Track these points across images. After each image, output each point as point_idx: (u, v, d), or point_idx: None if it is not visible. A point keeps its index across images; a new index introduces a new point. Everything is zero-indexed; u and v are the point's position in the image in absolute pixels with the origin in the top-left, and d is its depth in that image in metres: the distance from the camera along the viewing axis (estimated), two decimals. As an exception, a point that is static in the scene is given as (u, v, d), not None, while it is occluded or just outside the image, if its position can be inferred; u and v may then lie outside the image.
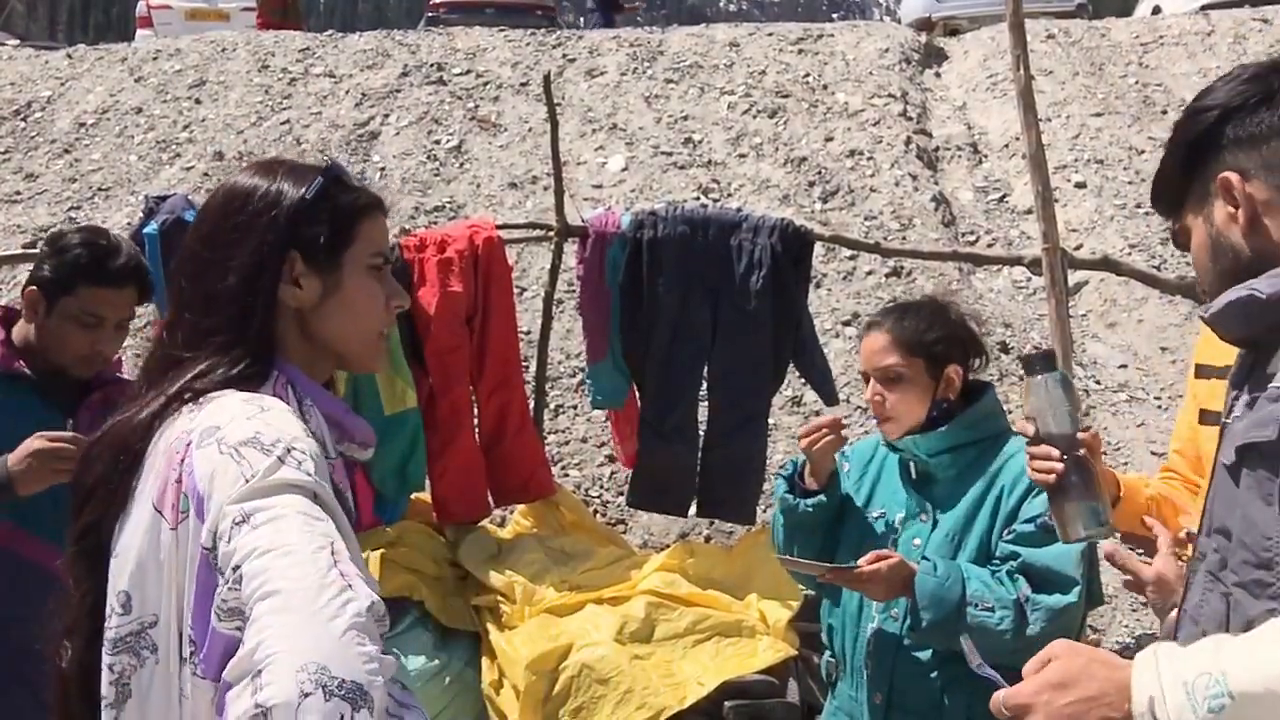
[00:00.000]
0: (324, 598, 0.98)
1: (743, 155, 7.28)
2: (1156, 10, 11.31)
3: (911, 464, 2.22)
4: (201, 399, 1.20)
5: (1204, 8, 9.88)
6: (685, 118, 7.67)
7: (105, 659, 1.17)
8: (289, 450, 1.11)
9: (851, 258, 6.26)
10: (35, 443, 2.00)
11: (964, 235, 6.61)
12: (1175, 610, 1.35)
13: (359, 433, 1.32)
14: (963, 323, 2.24)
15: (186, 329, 1.27)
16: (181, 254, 1.32)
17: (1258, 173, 1.23)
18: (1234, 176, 1.23)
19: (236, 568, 1.02)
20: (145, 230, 3.73)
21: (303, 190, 1.28)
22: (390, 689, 1.04)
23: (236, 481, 1.08)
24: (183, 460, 1.14)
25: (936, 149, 7.43)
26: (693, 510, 4.18)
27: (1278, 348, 1.17)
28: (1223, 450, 1.22)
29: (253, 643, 0.97)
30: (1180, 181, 1.31)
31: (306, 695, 0.92)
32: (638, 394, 4.08)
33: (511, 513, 4.29)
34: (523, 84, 8.15)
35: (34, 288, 2.19)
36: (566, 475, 5.03)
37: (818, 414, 5.33)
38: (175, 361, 1.25)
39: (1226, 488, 1.20)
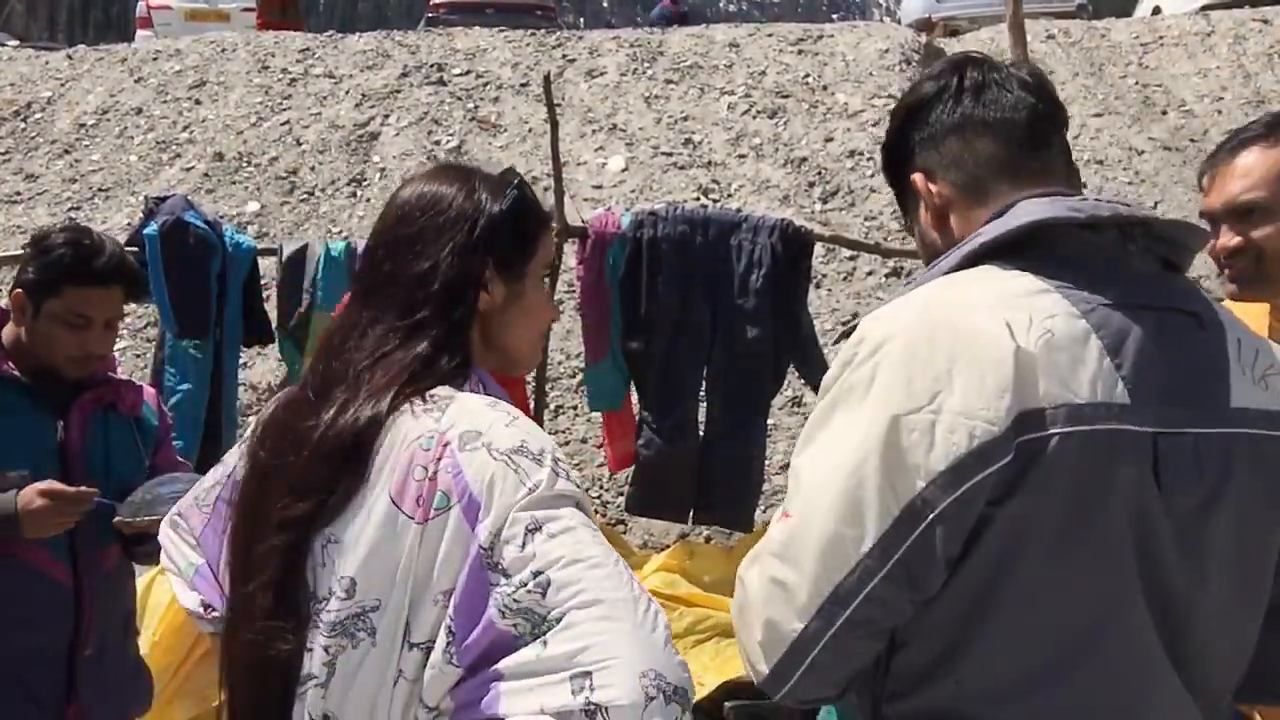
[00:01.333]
0: (640, 610, 1.11)
1: (743, 156, 7.28)
2: (1156, 11, 11.31)
3: None
4: (430, 398, 1.25)
5: (1204, 8, 9.89)
6: (685, 118, 7.67)
7: (321, 639, 1.22)
8: (556, 461, 1.21)
9: (851, 258, 6.27)
10: (41, 499, 2.00)
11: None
12: None
13: None
14: None
15: (387, 325, 1.31)
16: (374, 251, 1.37)
17: (940, 170, 1.27)
18: (918, 177, 1.28)
19: (538, 573, 1.11)
20: (145, 231, 3.73)
21: (500, 202, 1.34)
22: None
23: (518, 489, 1.16)
24: (439, 459, 1.19)
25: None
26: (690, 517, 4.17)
27: None
28: None
29: (570, 646, 1.07)
30: (896, 188, 1.36)
31: (651, 699, 1.05)
32: (636, 394, 4.08)
33: (511, 513, 4.29)
34: (523, 84, 8.15)
35: (20, 291, 2.17)
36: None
37: (818, 414, 5.34)
38: (380, 356, 1.29)
39: None
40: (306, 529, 1.26)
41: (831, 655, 1.12)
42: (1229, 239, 1.77)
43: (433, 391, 1.26)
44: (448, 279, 1.31)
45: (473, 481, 1.17)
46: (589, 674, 1.06)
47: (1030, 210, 1.18)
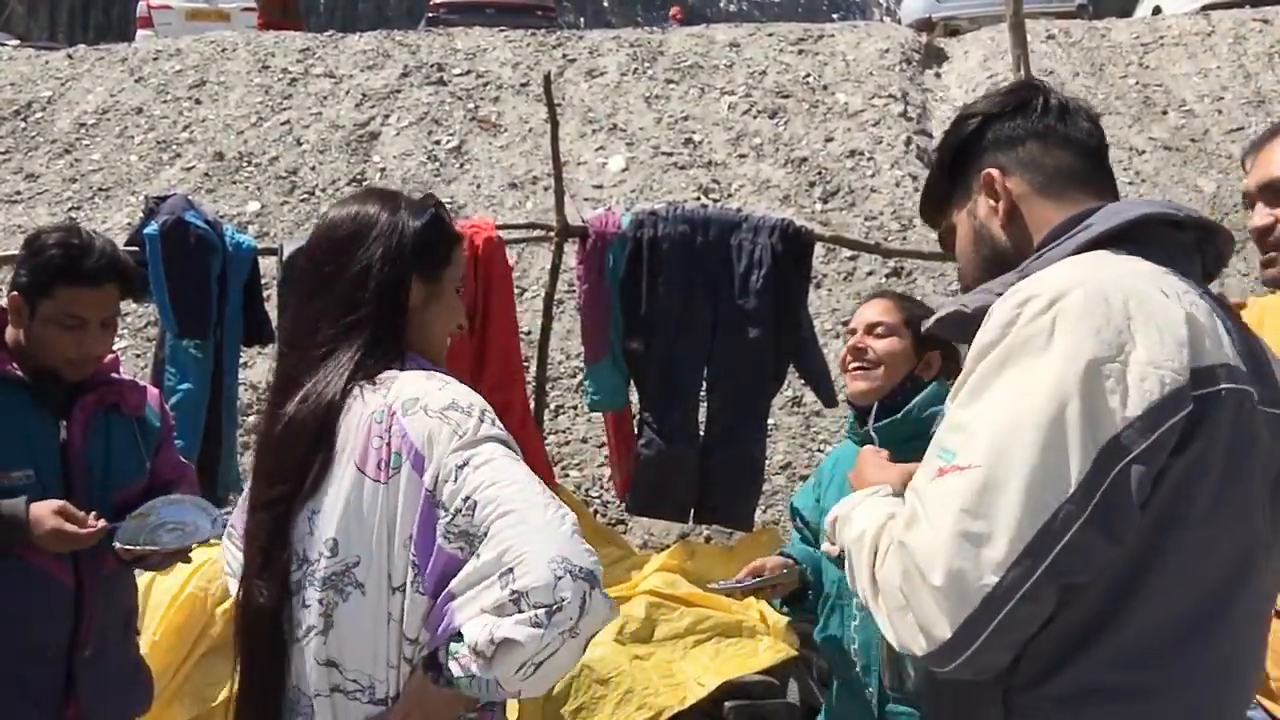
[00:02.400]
0: (549, 512, 1.34)
1: (743, 155, 7.28)
2: (1157, 11, 11.31)
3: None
4: (377, 381, 1.50)
5: (1204, 8, 9.89)
6: (685, 118, 7.67)
7: (315, 595, 1.46)
8: (483, 410, 1.45)
9: (852, 258, 6.26)
10: (53, 519, 2.03)
11: (964, 235, 6.61)
12: None
13: None
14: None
15: (330, 327, 1.56)
16: (314, 257, 1.62)
17: (1015, 169, 1.37)
18: (995, 172, 1.37)
19: (468, 498, 1.36)
20: (146, 231, 3.73)
21: (420, 219, 1.60)
22: None
23: (452, 438, 1.40)
24: (389, 427, 1.44)
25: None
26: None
27: None
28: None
29: (496, 551, 1.31)
30: (947, 182, 1.46)
31: (559, 578, 1.28)
32: (637, 394, 4.08)
33: (512, 513, 4.29)
34: (523, 84, 8.15)
35: (15, 294, 2.16)
36: (566, 475, 5.03)
37: (818, 414, 5.34)
38: (326, 354, 1.54)
39: None
40: (286, 507, 1.50)
41: (1024, 612, 1.09)
42: (1261, 218, 1.90)
43: (379, 375, 1.50)
44: (380, 281, 1.55)
45: (416, 439, 1.41)
46: (511, 569, 1.30)
47: (1133, 207, 1.27)
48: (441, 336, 1.64)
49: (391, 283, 1.56)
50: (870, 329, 2.23)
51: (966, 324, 1.29)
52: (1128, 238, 1.24)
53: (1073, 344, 1.11)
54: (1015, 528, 1.08)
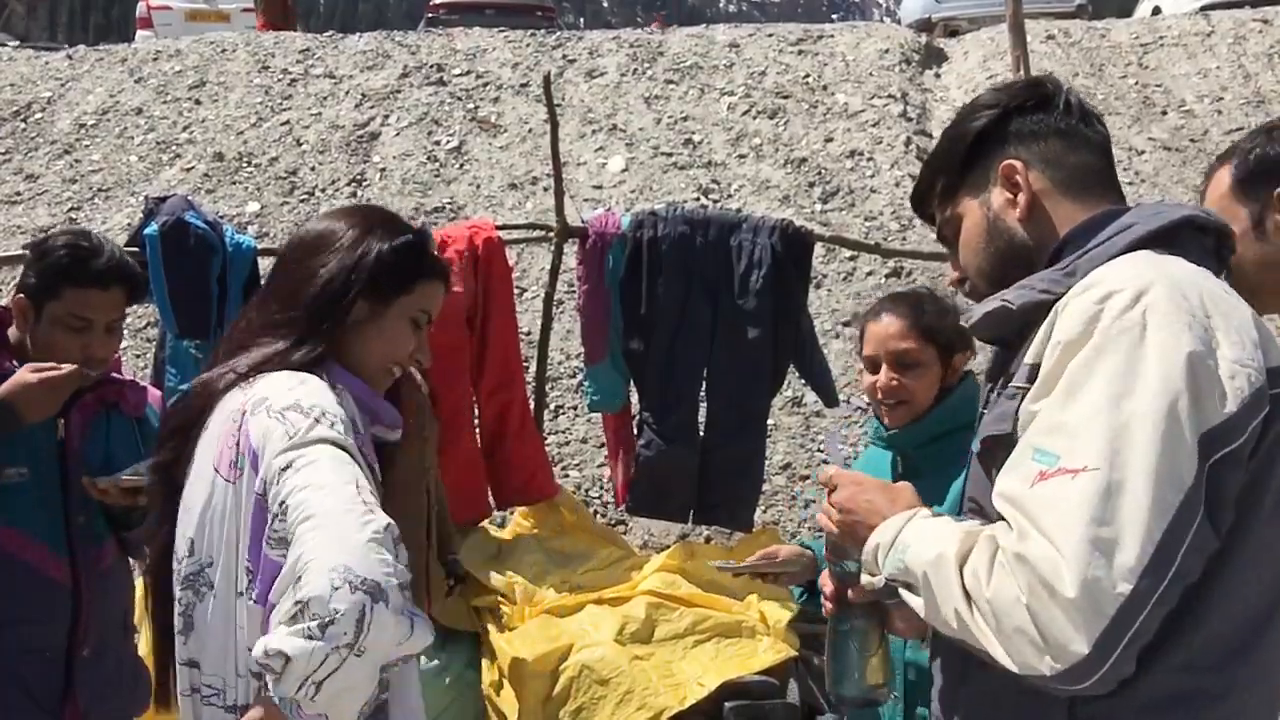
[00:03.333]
0: (350, 517, 1.26)
1: (743, 156, 7.28)
2: (1156, 11, 11.31)
3: (899, 460, 2.19)
4: (253, 377, 1.47)
5: (1204, 8, 9.89)
6: (685, 118, 7.67)
7: (178, 593, 1.45)
8: (323, 413, 1.38)
9: (851, 258, 6.26)
10: (33, 374, 2.01)
11: (964, 236, 6.61)
12: None
13: (386, 416, 1.60)
14: (959, 313, 2.20)
15: (265, 317, 1.55)
16: (280, 259, 1.63)
17: (1036, 164, 1.34)
18: (1018, 164, 1.34)
19: (283, 502, 1.29)
20: (146, 231, 3.73)
21: (388, 242, 1.57)
22: (403, 596, 1.26)
23: (283, 439, 1.34)
24: (239, 427, 1.41)
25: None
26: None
27: (1021, 347, 1.25)
28: (976, 438, 1.33)
29: (293, 557, 1.24)
30: (959, 170, 1.41)
31: (336, 589, 1.18)
32: (637, 394, 4.08)
33: (511, 514, 4.29)
34: (523, 85, 8.15)
35: (21, 296, 2.17)
36: (566, 476, 5.03)
37: (818, 414, 5.34)
38: (248, 343, 1.53)
39: (977, 471, 1.33)
40: (165, 474, 1.53)
41: (1153, 620, 1.04)
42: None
43: (262, 373, 1.48)
44: (323, 288, 1.53)
45: (255, 439, 1.38)
46: (300, 576, 1.23)
47: (1171, 210, 1.26)
48: (378, 362, 1.59)
49: (333, 294, 1.53)
50: (896, 362, 2.13)
51: (1010, 321, 1.27)
52: (1164, 239, 1.23)
53: (1170, 338, 1.09)
54: (1145, 530, 1.03)
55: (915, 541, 1.22)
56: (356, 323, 1.55)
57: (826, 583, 1.56)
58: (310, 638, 1.16)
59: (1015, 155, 1.35)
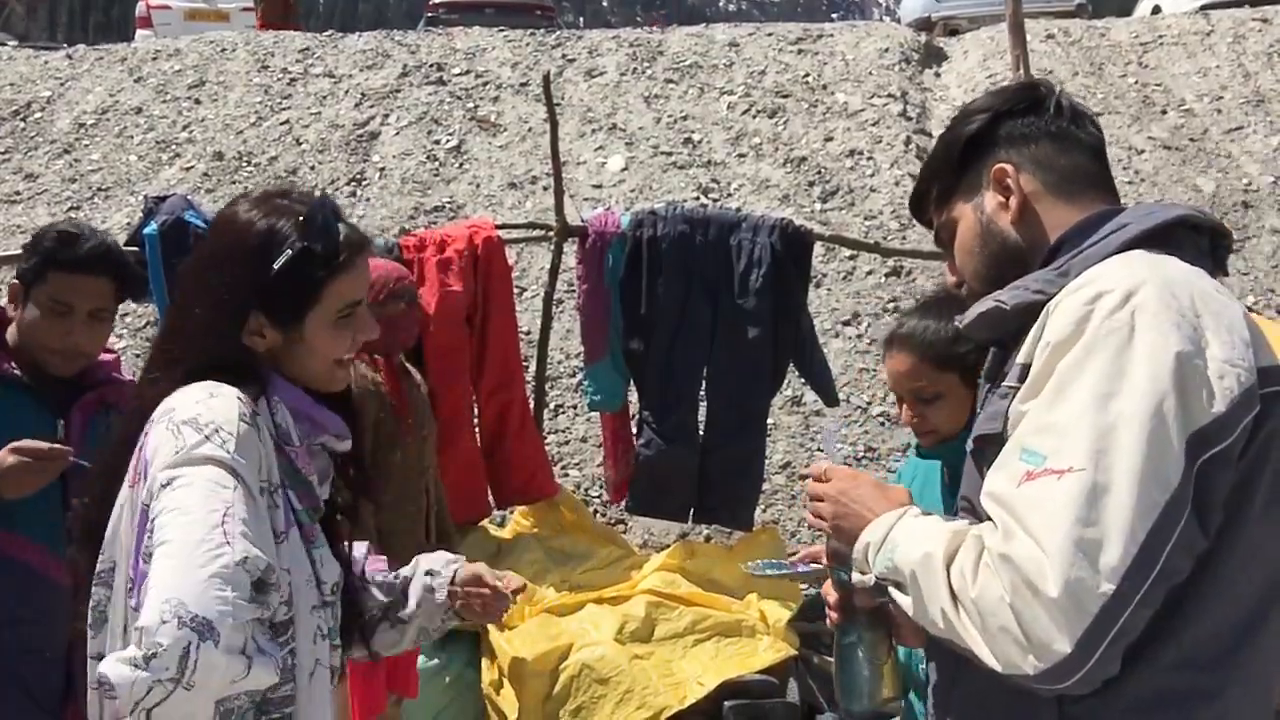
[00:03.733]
0: (201, 549, 1.21)
1: (742, 155, 7.28)
2: (1156, 10, 11.31)
3: (947, 470, 2.15)
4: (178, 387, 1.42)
5: (1204, 8, 9.89)
6: (685, 118, 7.67)
7: (93, 588, 1.44)
8: (216, 430, 1.32)
9: (851, 257, 6.26)
10: (12, 456, 1.97)
11: (964, 235, 6.61)
12: None
13: (331, 426, 1.52)
14: None
15: (156, 352, 1.49)
16: (185, 268, 1.54)
17: (1027, 167, 1.35)
18: (1008, 167, 1.35)
19: (155, 518, 1.27)
20: (145, 231, 3.73)
21: (271, 262, 1.41)
22: (256, 632, 1.22)
23: (170, 454, 1.31)
24: (146, 434, 1.38)
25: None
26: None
27: (1016, 347, 1.25)
28: (970, 437, 1.34)
29: (147, 581, 1.22)
30: (953, 174, 1.42)
31: (164, 622, 1.15)
32: (637, 394, 4.08)
33: (511, 513, 4.29)
34: (522, 84, 8.15)
35: (16, 280, 2.19)
36: (566, 475, 5.03)
37: (818, 414, 5.34)
38: (150, 382, 1.47)
39: (970, 469, 1.34)
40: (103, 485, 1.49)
41: (1139, 616, 1.05)
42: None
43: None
44: (205, 324, 1.44)
45: (150, 450, 1.35)
46: (142, 604, 1.21)
47: (1166, 210, 1.26)
48: (317, 372, 1.50)
49: (215, 324, 1.43)
50: (916, 398, 2.06)
51: (1004, 321, 1.28)
52: (1159, 239, 1.23)
53: (1159, 338, 1.09)
54: (1129, 530, 1.04)
55: (904, 540, 1.23)
56: (274, 350, 1.46)
57: (830, 592, 1.54)
58: (136, 667, 1.14)
59: (1006, 158, 1.36)
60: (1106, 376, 1.09)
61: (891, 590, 1.24)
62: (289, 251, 1.41)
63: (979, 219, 1.38)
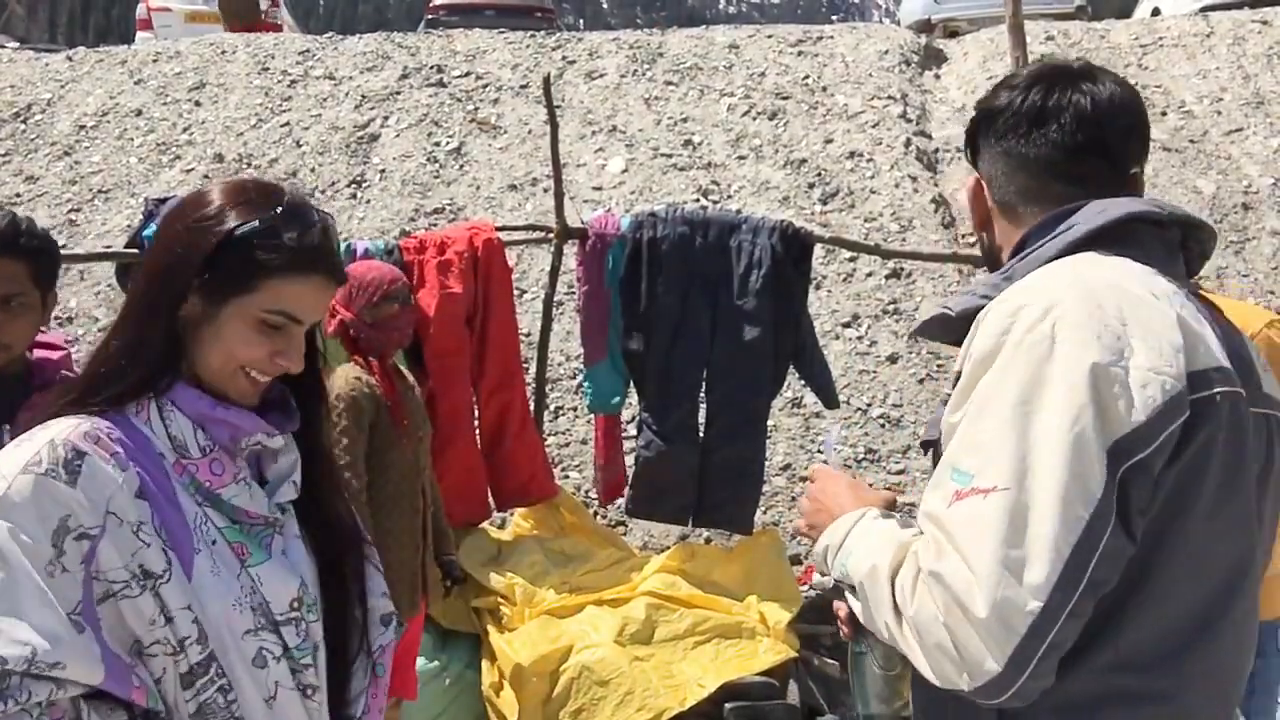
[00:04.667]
0: None
1: (742, 157, 7.28)
2: (1156, 12, 11.31)
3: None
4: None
5: (1203, 9, 9.89)
6: (685, 119, 7.67)
7: None
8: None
9: (851, 259, 6.27)
10: None
11: (964, 237, 6.61)
12: None
13: (247, 425, 1.37)
14: None
15: (113, 325, 1.37)
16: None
17: (1000, 177, 1.36)
18: (973, 178, 1.39)
19: None
20: (145, 233, 3.73)
21: (231, 229, 1.32)
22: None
23: None
24: None
25: (936, 151, 7.43)
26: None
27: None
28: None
29: None
30: (970, 149, 1.44)
31: None
32: (636, 395, 4.08)
33: (511, 515, 4.29)
34: (522, 86, 8.15)
35: None
36: (566, 477, 5.03)
37: (818, 415, 5.34)
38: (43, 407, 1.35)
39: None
40: None
41: (1068, 631, 1.06)
42: None
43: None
44: (151, 283, 1.35)
45: None
46: None
47: (1116, 207, 1.24)
48: (219, 366, 1.35)
49: (160, 289, 1.33)
50: None
51: (952, 326, 1.28)
52: (1112, 237, 1.22)
53: (1077, 350, 1.10)
54: (1054, 547, 1.05)
55: (856, 548, 1.25)
56: (190, 321, 1.33)
57: (841, 606, 1.55)
58: None
59: (983, 170, 1.39)
60: (1026, 392, 1.10)
61: (847, 595, 1.26)
62: (255, 223, 1.31)
63: (972, 202, 1.43)
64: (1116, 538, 1.07)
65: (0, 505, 1.18)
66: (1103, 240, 1.22)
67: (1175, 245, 1.28)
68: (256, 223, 1.32)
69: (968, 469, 1.12)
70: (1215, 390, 1.12)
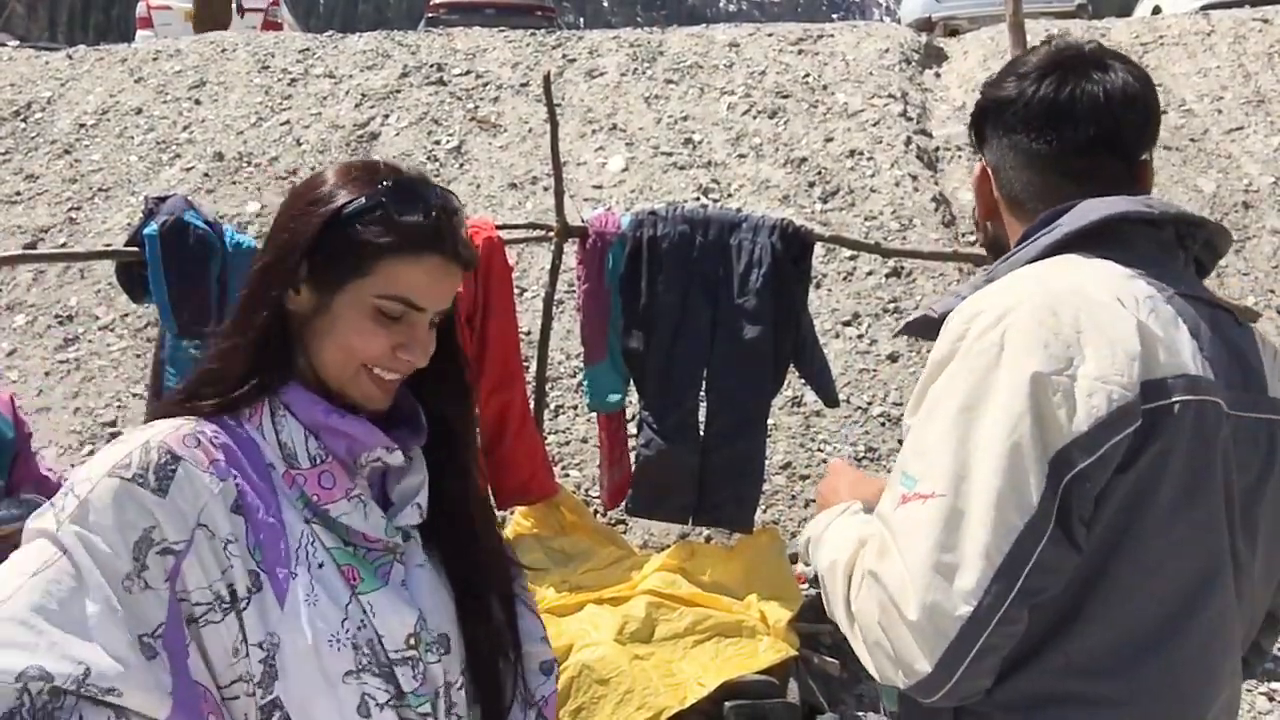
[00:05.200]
0: None
1: (743, 155, 7.28)
2: (1156, 10, 11.31)
3: None
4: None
5: (1204, 8, 9.89)
6: (685, 118, 7.67)
7: None
8: (66, 494, 1.10)
9: (851, 258, 6.26)
10: None
11: (964, 235, 6.61)
12: None
13: (366, 438, 1.23)
14: None
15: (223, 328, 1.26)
16: None
17: (1009, 168, 1.34)
18: (979, 166, 1.37)
19: None
20: (145, 231, 3.73)
21: (340, 207, 1.22)
22: None
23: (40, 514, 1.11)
24: None
25: (936, 149, 7.43)
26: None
27: None
28: None
29: None
30: (976, 133, 1.41)
31: None
32: (637, 394, 4.08)
33: (512, 513, 4.29)
34: (523, 84, 8.15)
35: None
36: (566, 475, 5.03)
37: (818, 414, 5.34)
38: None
39: None
40: None
41: (1001, 634, 1.07)
42: None
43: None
44: (260, 275, 1.24)
45: None
46: None
47: (1101, 207, 1.23)
48: (332, 365, 1.23)
49: (267, 279, 1.23)
50: None
51: (934, 327, 1.28)
52: (1098, 238, 1.21)
53: (1021, 358, 1.10)
54: (985, 554, 1.06)
55: (827, 540, 1.28)
56: (304, 315, 1.23)
57: None
58: None
59: (990, 159, 1.37)
60: (970, 400, 1.11)
61: (821, 586, 1.29)
62: (362, 200, 1.21)
63: (977, 190, 1.42)
64: (1056, 546, 1.08)
65: (79, 509, 1.07)
66: (1087, 241, 1.21)
67: (1171, 244, 1.26)
68: (364, 200, 1.21)
69: (913, 474, 1.13)
70: (1175, 399, 1.11)
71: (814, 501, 2.84)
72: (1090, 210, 1.23)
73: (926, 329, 1.31)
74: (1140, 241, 1.23)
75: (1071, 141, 1.28)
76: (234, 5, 11.66)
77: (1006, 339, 1.11)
